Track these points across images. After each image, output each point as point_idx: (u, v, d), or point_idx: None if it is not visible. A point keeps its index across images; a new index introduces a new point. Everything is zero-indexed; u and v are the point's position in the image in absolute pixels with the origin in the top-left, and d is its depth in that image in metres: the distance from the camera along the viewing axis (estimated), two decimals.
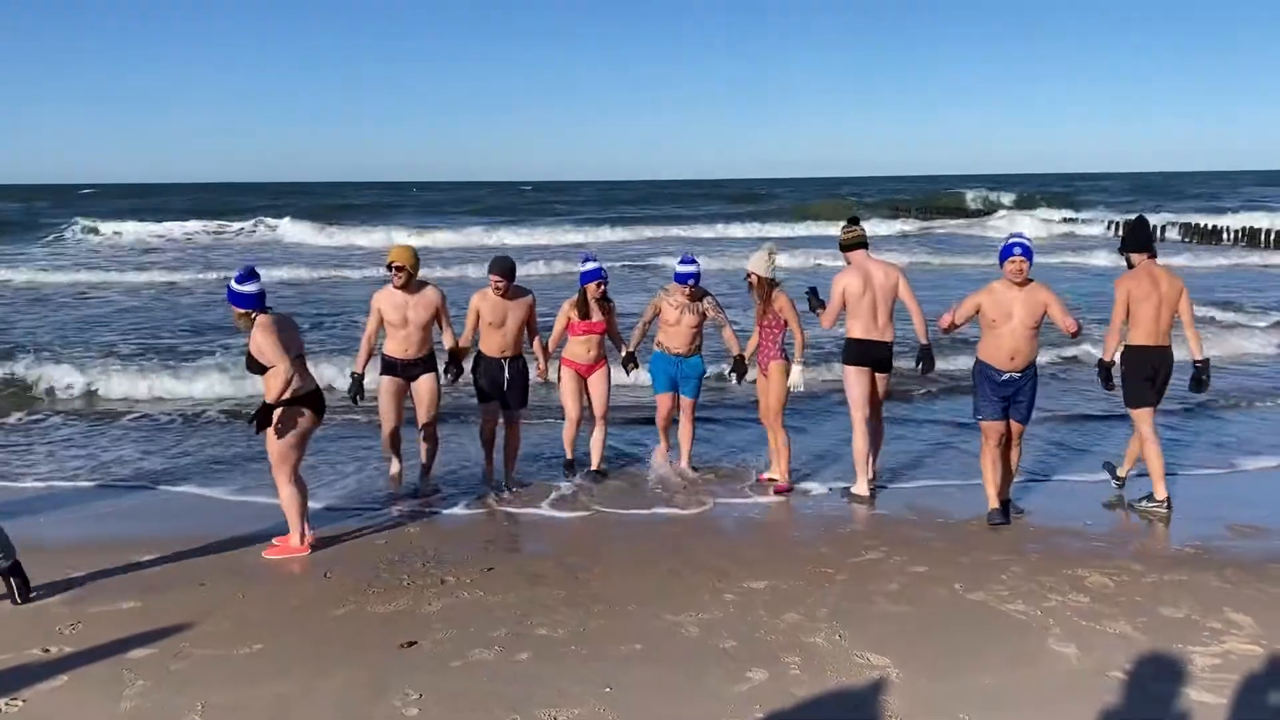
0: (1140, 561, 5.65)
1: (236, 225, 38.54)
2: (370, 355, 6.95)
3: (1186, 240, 32.53)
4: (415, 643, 4.62)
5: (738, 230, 36.82)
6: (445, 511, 6.73)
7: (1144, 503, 6.67)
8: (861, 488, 6.88)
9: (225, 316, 15.37)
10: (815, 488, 7.21)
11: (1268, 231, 30.51)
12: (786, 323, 6.98)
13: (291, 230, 36.13)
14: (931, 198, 56.30)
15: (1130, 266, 6.69)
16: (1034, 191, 60.49)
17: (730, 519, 6.62)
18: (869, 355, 6.75)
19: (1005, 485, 6.51)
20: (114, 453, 8.25)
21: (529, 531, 6.39)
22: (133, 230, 36.62)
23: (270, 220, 38.80)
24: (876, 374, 6.83)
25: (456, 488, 7.23)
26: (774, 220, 41.97)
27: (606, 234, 35.70)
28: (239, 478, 7.41)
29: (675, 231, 36.73)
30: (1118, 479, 7.11)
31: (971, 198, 54.30)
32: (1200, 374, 6.59)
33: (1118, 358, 6.63)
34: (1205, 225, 33.43)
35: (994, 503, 6.38)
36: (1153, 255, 6.68)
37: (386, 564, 5.67)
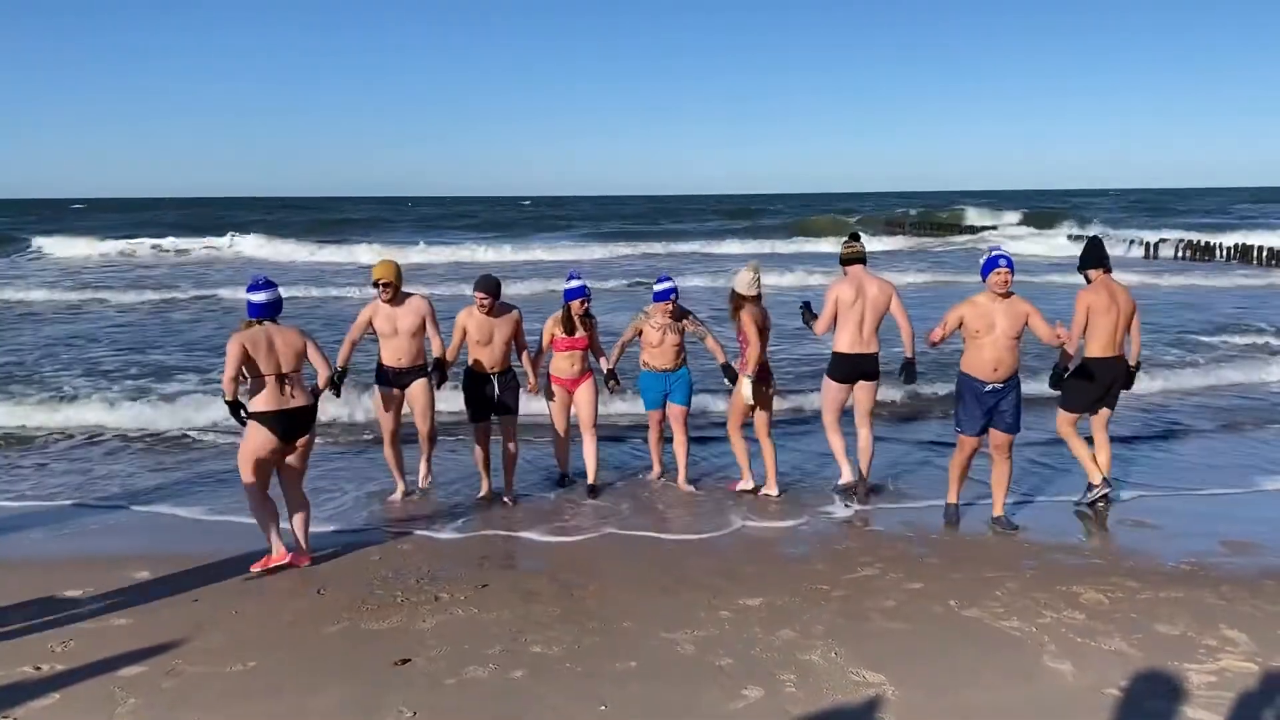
0: (1135, 578, 5.65)
1: (216, 241, 37.09)
2: (350, 354, 7.00)
3: (1182, 257, 32.53)
4: (409, 660, 4.61)
5: (734, 246, 36.77)
6: (439, 528, 6.71)
7: (1090, 494, 6.93)
8: (846, 476, 7.25)
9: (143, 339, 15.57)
10: (807, 505, 7.21)
11: (1259, 248, 30.61)
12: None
13: (262, 248, 35.01)
14: (926, 214, 56.30)
15: (1088, 282, 7.07)
16: (1038, 208, 60.31)
17: (726, 535, 6.61)
18: (856, 369, 7.03)
19: (998, 498, 6.65)
20: (104, 470, 8.23)
21: (523, 548, 6.37)
22: (97, 248, 35.60)
23: (248, 236, 37.65)
24: (864, 382, 7.10)
25: (450, 504, 7.24)
26: (772, 236, 42.01)
27: (608, 250, 35.35)
28: (231, 497, 7.38)
29: (678, 248, 36.56)
30: (1094, 487, 7.13)
31: (974, 215, 54.05)
32: (1132, 374, 7.11)
33: (1071, 366, 6.97)
34: (1200, 241, 33.48)
35: (952, 498, 6.75)
36: (1108, 270, 7.10)
37: (380, 580, 5.66)
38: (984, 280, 6.33)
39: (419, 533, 6.60)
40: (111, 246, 36.31)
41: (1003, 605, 5.24)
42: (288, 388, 5.67)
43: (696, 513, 7.03)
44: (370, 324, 7.02)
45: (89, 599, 5.37)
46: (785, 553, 6.27)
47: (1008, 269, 6.22)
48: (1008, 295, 6.27)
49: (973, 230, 46.17)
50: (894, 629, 4.97)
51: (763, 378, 7.13)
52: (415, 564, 5.95)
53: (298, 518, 5.97)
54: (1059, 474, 7.98)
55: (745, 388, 6.97)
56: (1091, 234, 8.47)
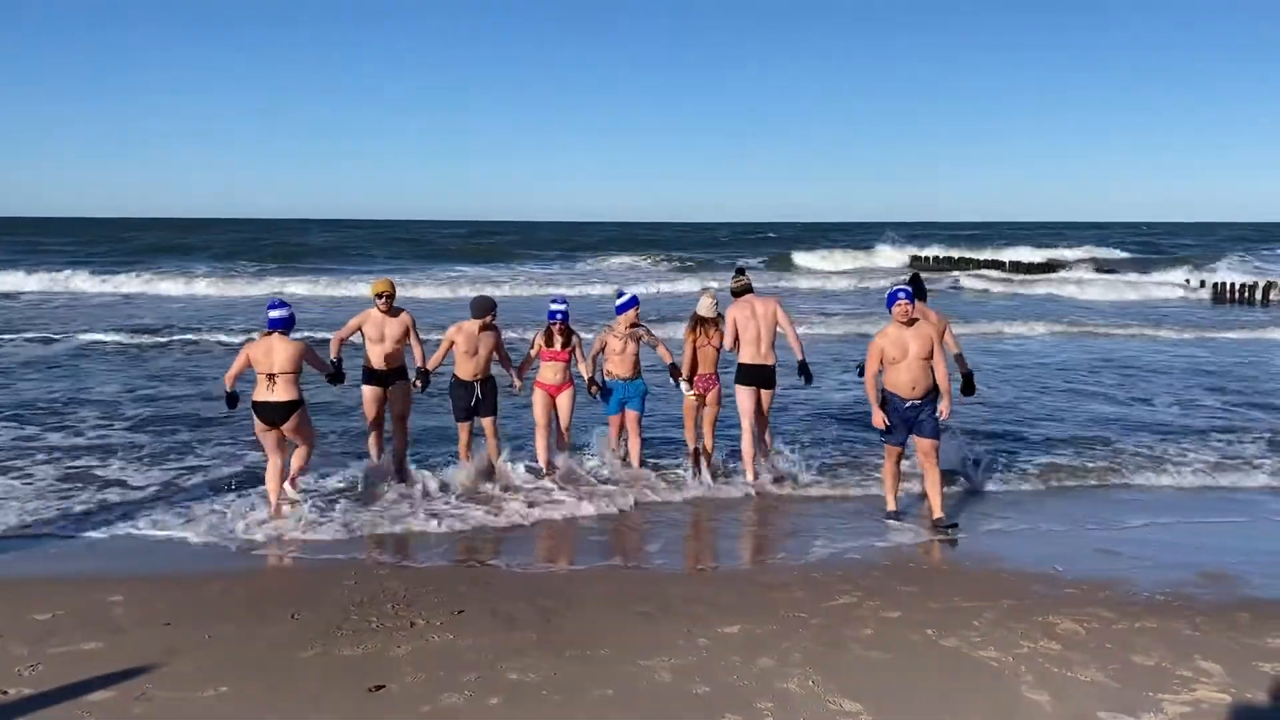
0: (1111, 608, 5.68)
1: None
2: (340, 348, 8.09)
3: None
4: (384, 686, 4.56)
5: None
6: (415, 553, 6.68)
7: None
8: (749, 477, 8.32)
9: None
10: (786, 533, 7.21)
11: (1232, 285, 30.30)
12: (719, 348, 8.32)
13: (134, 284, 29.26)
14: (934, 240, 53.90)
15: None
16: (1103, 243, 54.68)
17: (704, 562, 6.61)
18: (756, 376, 8.25)
19: (934, 503, 7.23)
20: (76, 490, 8.12)
21: (500, 573, 6.34)
22: None
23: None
24: (763, 390, 8.31)
25: (426, 529, 7.19)
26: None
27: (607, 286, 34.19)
28: (206, 520, 7.30)
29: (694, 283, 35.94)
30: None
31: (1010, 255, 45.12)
32: (966, 381, 8.11)
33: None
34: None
35: (891, 505, 7.47)
36: (923, 300, 8.02)
37: (355, 606, 5.61)
38: (890, 311, 7.15)
39: (395, 557, 6.56)
40: None
41: (980, 635, 5.26)
42: (270, 385, 7.10)
43: (675, 539, 7.03)
44: (359, 328, 8.07)
45: (58, 622, 5.29)
46: (763, 580, 6.27)
47: (906, 300, 7.10)
48: (912, 322, 7.10)
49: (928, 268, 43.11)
50: (872, 658, 4.97)
51: (707, 386, 8.27)
52: (391, 589, 5.90)
53: (296, 456, 7.54)
54: (1034, 506, 8.03)
55: (684, 388, 8.34)
56: (911, 273, 9.19)
